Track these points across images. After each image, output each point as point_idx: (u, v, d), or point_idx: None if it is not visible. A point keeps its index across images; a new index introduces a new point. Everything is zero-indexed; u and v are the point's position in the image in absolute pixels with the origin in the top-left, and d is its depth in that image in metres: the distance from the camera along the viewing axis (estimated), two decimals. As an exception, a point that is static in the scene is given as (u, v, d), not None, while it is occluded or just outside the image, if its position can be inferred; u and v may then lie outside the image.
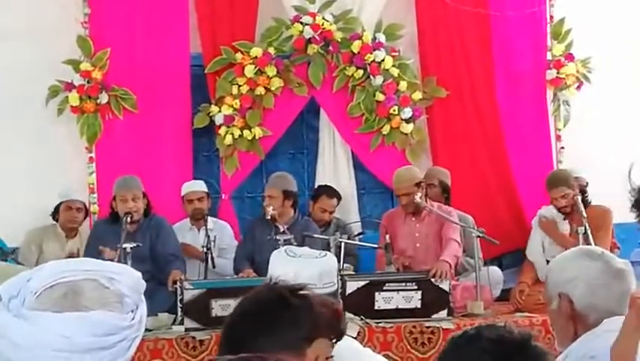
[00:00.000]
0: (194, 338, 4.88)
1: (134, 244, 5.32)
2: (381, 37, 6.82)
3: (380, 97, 6.77)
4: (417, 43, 7.03)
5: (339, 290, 3.60)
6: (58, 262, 1.50)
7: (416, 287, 5.10)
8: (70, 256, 5.75)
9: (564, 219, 5.85)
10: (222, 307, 4.87)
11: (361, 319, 4.97)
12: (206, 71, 6.77)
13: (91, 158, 6.64)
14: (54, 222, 6.24)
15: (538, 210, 6.06)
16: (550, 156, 7.06)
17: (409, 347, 4.96)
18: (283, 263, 2.60)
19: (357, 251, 6.26)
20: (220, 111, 6.67)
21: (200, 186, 6.36)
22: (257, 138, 6.72)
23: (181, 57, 6.76)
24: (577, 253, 2.46)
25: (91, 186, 6.61)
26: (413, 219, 5.85)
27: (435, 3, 6.90)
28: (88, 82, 6.55)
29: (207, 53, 6.78)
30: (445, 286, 5.13)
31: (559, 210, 5.82)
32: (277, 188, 5.96)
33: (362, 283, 5.08)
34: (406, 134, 6.83)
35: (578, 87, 7.11)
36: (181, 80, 6.75)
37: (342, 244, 5.47)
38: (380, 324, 4.98)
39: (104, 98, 6.57)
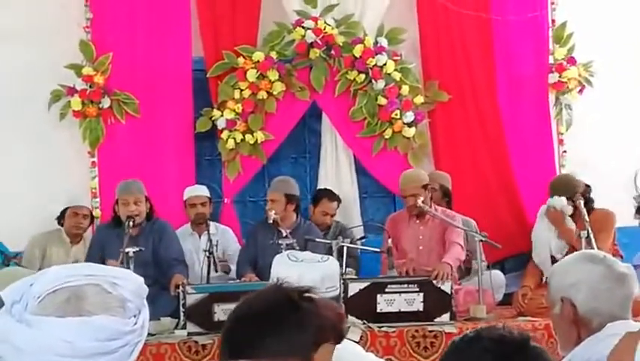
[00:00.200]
0: (196, 342, 4.88)
1: (137, 248, 5.30)
2: (383, 42, 6.82)
3: (382, 101, 6.77)
4: (419, 47, 7.03)
5: (342, 293, 3.60)
6: (61, 267, 1.50)
7: (418, 289, 5.11)
8: (76, 263, 5.72)
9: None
10: (225, 312, 4.85)
11: (364, 323, 4.97)
12: (208, 76, 6.78)
13: (93, 162, 6.65)
14: (59, 228, 6.22)
15: (548, 199, 5.91)
16: (553, 159, 7.05)
17: (411, 351, 4.96)
18: (286, 267, 2.60)
19: (360, 255, 6.26)
20: (222, 115, 6.67)
21: (202, 190, 6.35)
22: (259, 142, 6.72)
23: (183, 61, 6.76)
24: (579, 257, 2.46)
25: (93, 190, 6.61)
26: (417, 221, 5.86)
27: (437, 7, 6.91)
28: (90, 86, 6.56)
29: (209, 57, 6.79)
30: (446, 288, 5.13)
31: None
32: (279, 192, 5.96)
33: (364, 285, 5.10)
34: (408, 138, 6.82)
35: (580, 91, 7.10)
36: (183, 84, 6.76)
37: (345, 248, 5.47)
38: (382, 328, 4.98)
39: (106, 102, 6.57)
